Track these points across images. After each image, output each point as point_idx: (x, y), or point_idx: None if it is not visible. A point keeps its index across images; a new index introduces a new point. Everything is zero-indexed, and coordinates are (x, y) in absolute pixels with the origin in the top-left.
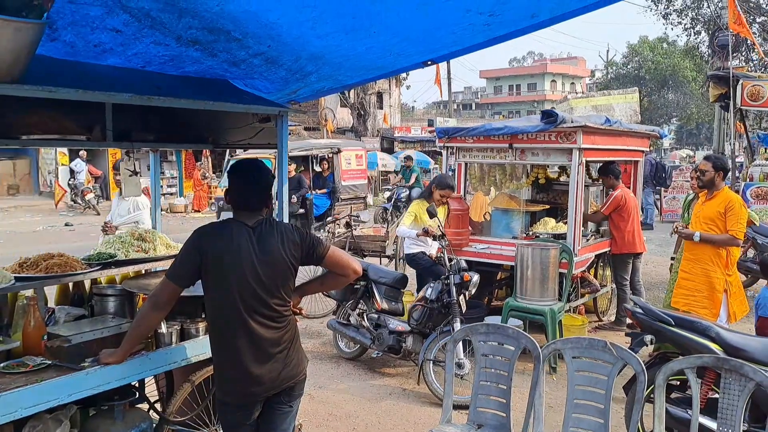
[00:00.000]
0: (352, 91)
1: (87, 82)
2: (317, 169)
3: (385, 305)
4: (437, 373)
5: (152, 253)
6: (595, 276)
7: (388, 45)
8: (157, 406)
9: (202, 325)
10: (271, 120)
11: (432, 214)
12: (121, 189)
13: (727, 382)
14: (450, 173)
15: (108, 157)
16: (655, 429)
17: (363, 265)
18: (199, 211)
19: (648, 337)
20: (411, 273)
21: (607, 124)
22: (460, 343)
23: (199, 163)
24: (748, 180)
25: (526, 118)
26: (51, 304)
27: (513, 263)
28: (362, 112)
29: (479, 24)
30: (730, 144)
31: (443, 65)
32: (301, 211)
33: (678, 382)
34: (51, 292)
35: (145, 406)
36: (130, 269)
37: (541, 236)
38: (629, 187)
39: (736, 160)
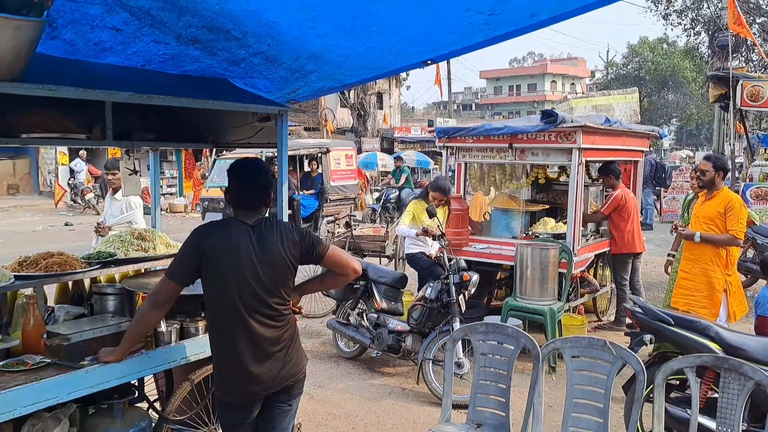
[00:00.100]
0: (352, 92)
1: (87, 80)
2: (306, 169)
3: (384, 305)
4: (437, 373)
5: (152, 252)
6: (595, 276)
7: (388, 44)
8: (157, 404)
9: (201, 324)
10: (271, 119)
11: (432, 214)
12: (113, 189)
13: (726, 381)
14: (450, 173)
15: (108, 156)
16: (654, 428)
17: (363, 265)
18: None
19: (647, 337)
20: (411, 273)
21: (607, 124)
22: (460, 343)
23: (199, 162)
24: (747, 180)
25: (526, 118)
26: (50, 302)
27: (512, 263)
28: (362, 113)
29: (479, 23)
30: (730, 144)
31: (443, 65)
32: (288, 212)
33: (677, 382)
34: (51, 290)
35: (144, 404)
36: (130, 268)
37: (540, 236)
38: (629, 187)
39: (736, 160)
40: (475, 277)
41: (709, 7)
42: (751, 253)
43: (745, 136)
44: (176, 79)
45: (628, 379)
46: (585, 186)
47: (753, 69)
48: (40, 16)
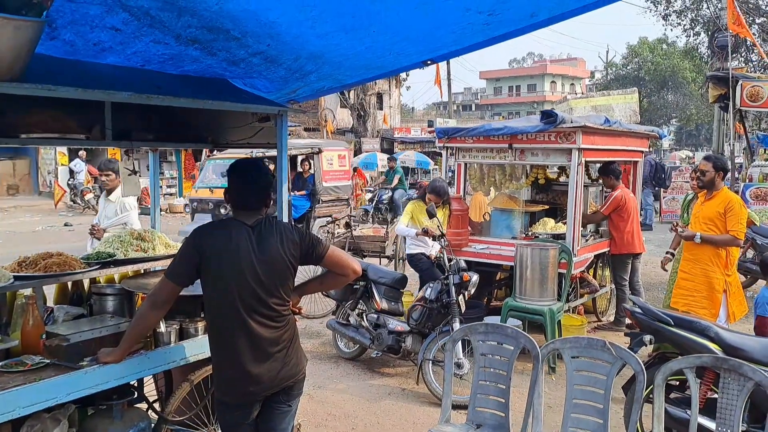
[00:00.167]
0: (352, 92)
1: (86, 80)
2: (298, 169)
3: (384, 305)
4: (436, 373)
5: (151, 253)
6: (594, 276)
7: (388, 44)
8: (156, 405)
9: (201, 325)
10: (271, 119)
11: (431, 215)
12: (107, 190)
13: (725, 381)
14: (450, 174)
15: (107, 156)
16: (654, 429)
17: (362, 265)
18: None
19: (647, 337)
20: (411, 273)
21: (607, 125)
22: (459, 343)
23: (198, 163)
24: (747, 181)
25: (526, 118)
26: (50, 303)
27: (512, 263)
28: (362, 113)
29: (479, 23)
30: (730, 145)
31: (443, 66)
32: None
33: (677, 382)
34: (50, 291)
35: (143, 405)
36: (129, 269)
37: (540, 236)
38: (628, 188)
39: (736, 161)
40: (475, 277)
41: (708, 8)
42: (750, 253)
43: (744, 137)
44: (176, 79)
45: (627, 379)
46: (584, 186)
47: (752, 69)
48: (39, 16)
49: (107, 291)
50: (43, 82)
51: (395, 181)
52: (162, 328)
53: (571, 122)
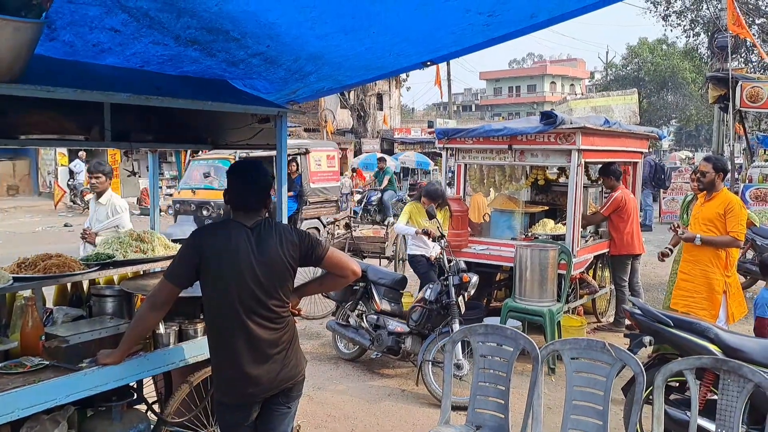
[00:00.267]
0: (352, 93)
1: (85, 81)
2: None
3: (384, 306)
4: (436, 374)
5: (150, 254)
6: (594, 277)
7: (388, 45)
8: (155, 407)
9: (200, 326)
10: (270, 120)
11: (431, 215)
12: (98, 193)
13: (725, 383)
14: (450, 174)
15: (107, 157)
16: (653, 430)
17: (362, 267)
18: None
19: (647, 338)
20: (410, 274)
21: (606, 126)
22: (459, 344)
23: None
24: (747, 181)
25: (526, 119)
26: (49, 304)
27: (512, 264)
28: (362, 114)
29: (479, 24)
30: (730, 145)
31: (443, 66)
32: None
33: (677, 384)
34: (49, 292)
35: (143, 407)
36: (129, 270)
37: (540, 237)
38: (628, 189)
39: (735, 161)
40: (475, 278)
41: (708, 8)
42: (750, 254)
43: (744, 137)
44: (175, 80)
45: (627, 380)
46: (584, 187)
47: (752, 70)
48: (38, 17)
49: (106, 292)
50: (43, 83)
51: (385, 182)
52: (161, 329)
53: (571, 123)
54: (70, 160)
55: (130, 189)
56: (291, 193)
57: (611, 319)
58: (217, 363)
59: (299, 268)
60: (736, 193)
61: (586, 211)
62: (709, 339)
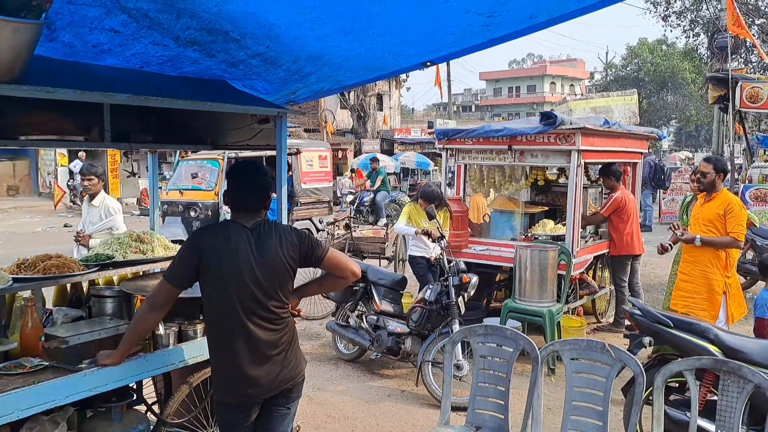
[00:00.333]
0: (351, 93)
1: (85, 82)
2: None
3: (384, 307)
4: (436, 375)
5: (150, 255)
6: (594, 278)
7: (387, 46)
8: (155, 407)
9: (200, 327)
10: (270, 121)
11: (431, 216)
12: (90, 195)
13: (725, 384)
14: (449, 175)
15: (107, 158)
16: (653, 431)
17: (362, 267)
18: None
19: (646, 339)
20: (410, 274)
21: (606, 126)
22: (459, 345)
23: None
24: (747, 182)
25: (526, 119)
26: (49, 305)
27: (512, 265)
28: (362, 114)
29: (478, 25)
30: (729, 146)
31: (443, 67)
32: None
33: (677, 384)
34: (49, 293)
35: (142, 407)
36: (128, 271)
37: (539, 238)
38: (627, 189)
39: (735, 162)
40: (475, 278)
41: (708, 9)
42: (750, 254)
43: (744, 138)
44: (175, 81)
45: (627, 381)
46: (584, 188)
47: (752, 70)
48: (38, 18)
49: (106, 293)
50: (42, 84)
51: (378, 183)
52: (161, 330)
53: (571, 124)
54: (70, 161)
55: (129, 189)
56: None
57: (611, 320)
58: (217, 364)
59: (299, 269)
60: (736, 193)
61: (586, 211)
62: (709, 340)
